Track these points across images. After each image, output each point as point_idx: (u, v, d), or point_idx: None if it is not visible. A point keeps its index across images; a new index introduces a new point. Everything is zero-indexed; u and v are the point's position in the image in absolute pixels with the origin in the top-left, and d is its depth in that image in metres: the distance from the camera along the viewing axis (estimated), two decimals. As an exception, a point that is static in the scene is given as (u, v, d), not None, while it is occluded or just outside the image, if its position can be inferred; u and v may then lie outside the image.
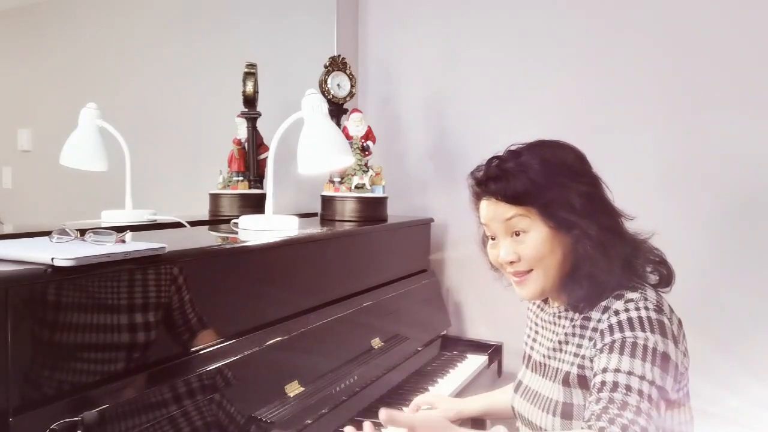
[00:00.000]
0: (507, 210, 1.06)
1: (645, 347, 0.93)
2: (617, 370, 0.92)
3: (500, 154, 1.11)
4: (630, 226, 1.09)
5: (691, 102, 1.85)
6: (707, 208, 1.84)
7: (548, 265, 1.06)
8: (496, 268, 1.18)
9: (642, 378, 0.90)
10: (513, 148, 1.11)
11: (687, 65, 1.85)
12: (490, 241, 1.13)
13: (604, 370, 0.94)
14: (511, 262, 1.07)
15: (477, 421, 1.84)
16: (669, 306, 1.04)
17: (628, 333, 0.96)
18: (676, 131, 1.87)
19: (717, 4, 1.82)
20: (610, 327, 0.98)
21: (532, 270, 1.07)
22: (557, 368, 1.09)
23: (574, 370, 1.04)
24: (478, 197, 1.12)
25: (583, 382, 1.02)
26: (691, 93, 1.85)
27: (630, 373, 0.91)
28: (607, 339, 0.98)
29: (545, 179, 1.04)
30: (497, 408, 1.42)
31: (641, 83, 1.91)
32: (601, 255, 1.02)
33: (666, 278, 1.08)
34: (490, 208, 1.09)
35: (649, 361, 0.92)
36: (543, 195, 1.04)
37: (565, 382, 1.05)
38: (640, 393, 0.89)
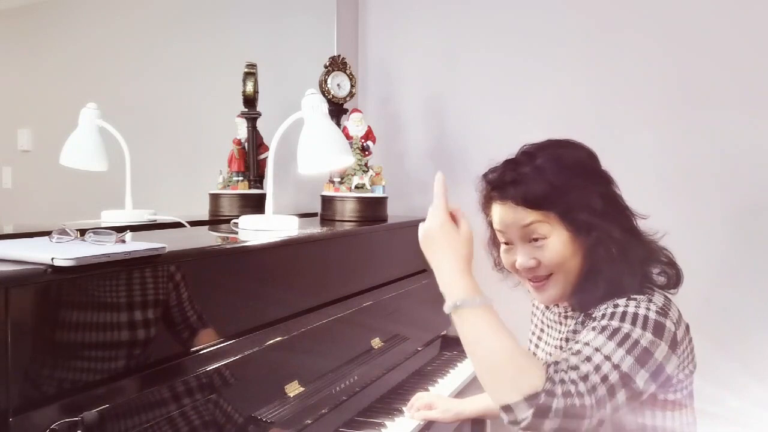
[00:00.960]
0: (525, 216, 1.03)
1: (626, 336, 0.93)
2: (587, 344, 0.93)
3: (514, 156, 1.09)
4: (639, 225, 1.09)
5: (692, 101, 1.85)
6: (708, 208, 1.83)
7: (568, 268, 1.04)
8: (502, 270, 1.17)
9: (607, 358, 0.90)
10: (525, 149, 1.09)
11: (688, 64, 1.85)
12: (504, 246, 1.10)
13: (577, 342, 0.94)
14: (530, 268, 1.05)
15: (477, 422, 1.84)
16: (678, 312, 1.02)
17: (615, 322, 0.95)
18: (678, 131, 1.87)
19: (720, 3, 1.82)
20: (604, 315, 0.98)
21: (551, 274, 1.05)
22: None
23: None
24: (490, 201, 1.09)
25: None
26: (692, 92, 1.85)
27: (597, 349, 0.91)
28: (596, 323, 0.97)
29: (564, 182, 1.02)
30: (497, 408, 1.42)
31: (641, 83, 1.91)
32: (622, 257, 1.01)
33: (674, 280, 1.06)
34: (505, 213, 1.05)
35: (625, 348, 0.91)
36: (563, 199, 1.01)
37: None
38: (597, 368, 0.89)
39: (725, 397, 1.69)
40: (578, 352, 0.91)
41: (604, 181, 1.08)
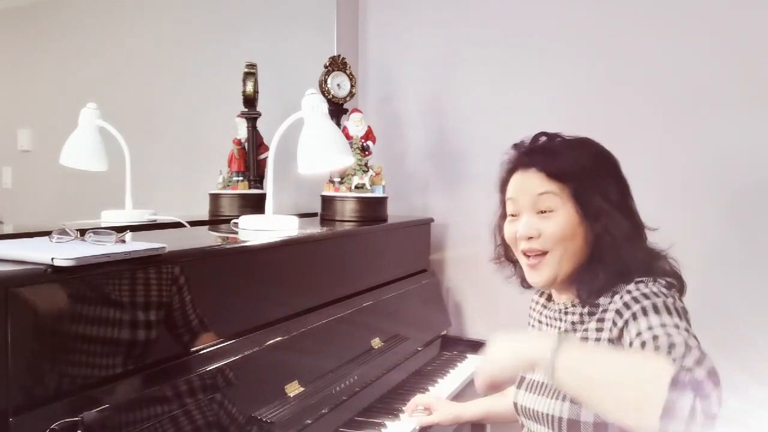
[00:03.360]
0: (541, 185, 1.06)
1: (665, 305, 0.93)
2: (650, 327, 0.90)
3: (548, 131, 1.13)
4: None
5: (692, 101, 1.85)
6: (707, 208, 1.83)
7: (565, 249, 1.05)
8: (501, 262, 1.18)
9: (676, 326, 0.89)
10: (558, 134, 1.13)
11: (688, 64, 1.85)
12: (509, 218, 1.12)
13: (639, 334, 0.91)
14: (529, 238, 1.07)
15: (476, 426, 1.84)
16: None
17: (645, 301, 0.95)
18: (678, 131, 1.86)
19: (721, 3, 1.81)
20: (626, 303, 0.97)
21: (547, 253, 1.06)
22: None
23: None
24: (512, 171, 1.12)
25: None
26: (691, 92, 1.85)
27: (663, 325, 0.89)
28: (628, 313, 0.96)
29: (589, 165, 1.07)
30: (496, 412, 1.42)
31: (640, 83, 1.91)
32: (625, 249, 1.03)
33: (677, 287, 1.04)
34: (524, 179, 1.09)
35: (675, 315, 0.91)
36: (583, 177, 1.05)
37: None
38: (680, 333, 0.87)
39: (725, 397, 1.68)
40: (655, 337, 0.87)
41: (623, 183, 1.11)
